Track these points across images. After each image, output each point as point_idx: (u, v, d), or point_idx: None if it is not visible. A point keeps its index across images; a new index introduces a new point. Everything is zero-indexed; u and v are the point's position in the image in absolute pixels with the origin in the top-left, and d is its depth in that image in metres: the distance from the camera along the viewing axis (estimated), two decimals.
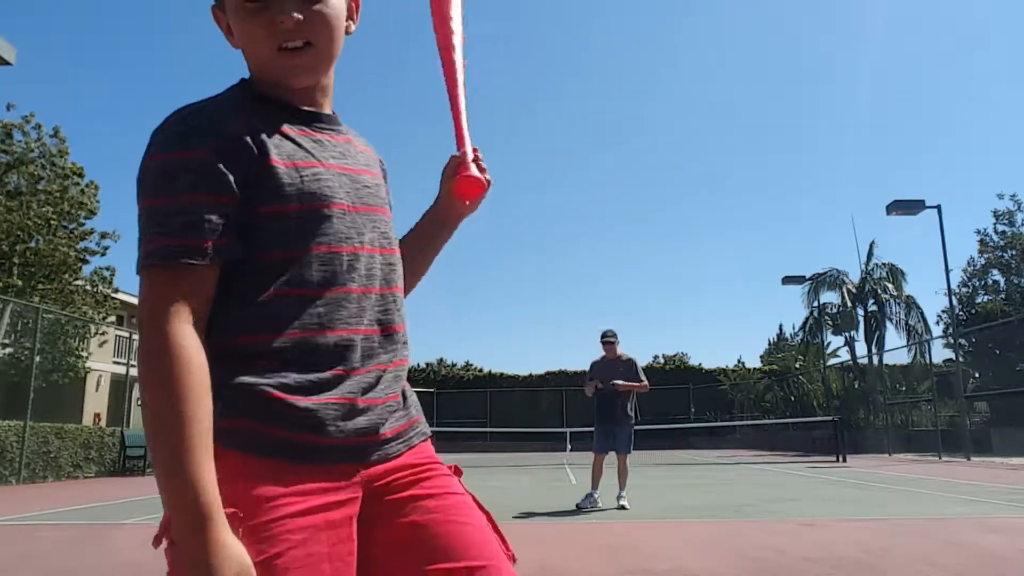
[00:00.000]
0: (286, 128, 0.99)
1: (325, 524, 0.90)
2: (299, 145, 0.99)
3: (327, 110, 1.09)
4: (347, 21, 1.06)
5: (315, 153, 1.00)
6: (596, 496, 7.55)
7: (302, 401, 0.91)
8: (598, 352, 8.19)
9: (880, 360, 26.60)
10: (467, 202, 1.26)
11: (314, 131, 1.03)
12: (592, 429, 8.30)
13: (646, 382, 8.00)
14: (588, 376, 8.18)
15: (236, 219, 0.92)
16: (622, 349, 8.13)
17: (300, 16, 0.97)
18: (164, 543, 0.84)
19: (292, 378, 0.92)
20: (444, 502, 1.01)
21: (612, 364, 8.01)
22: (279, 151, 0.96)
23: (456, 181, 1.22)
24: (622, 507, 7.38)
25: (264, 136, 0.95)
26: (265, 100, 1.01)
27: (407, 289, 1.18)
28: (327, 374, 0.94)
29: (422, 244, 1.29)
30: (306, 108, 1.04)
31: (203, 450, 0.82)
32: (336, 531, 0.91)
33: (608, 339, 8.06)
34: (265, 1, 0.97)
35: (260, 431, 0.90)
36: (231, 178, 0.91)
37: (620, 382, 7.80)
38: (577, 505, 7.51)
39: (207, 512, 0.80)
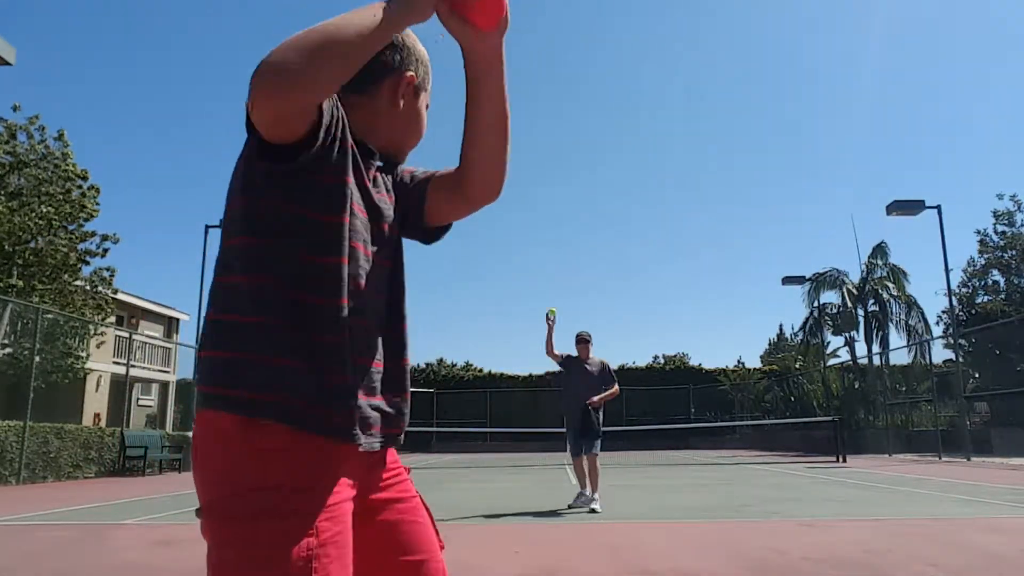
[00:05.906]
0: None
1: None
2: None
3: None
4: None
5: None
6: (587, 495, 7.64)
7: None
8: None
9: (887, 360, 26.56)
10: (494, 26, 1.14)
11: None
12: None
13: (616, 388, 8.09)
14: (561, 358, 8.05)
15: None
16: (593, 353, 8.17)
17: None
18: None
19: None
20: (410, 504, 1.23)
21: (582, 362, 8.03)
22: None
23: (471, 8, 1.12)
24: (592, 511, 7.19)
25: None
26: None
27: (494, 152, 1.28)
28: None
29: (474, 105, 1.24)
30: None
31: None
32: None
33: (582, 340, 8.11)
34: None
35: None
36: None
37: (596, 398, 7.85)
38: (569, 505, 7.63)
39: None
